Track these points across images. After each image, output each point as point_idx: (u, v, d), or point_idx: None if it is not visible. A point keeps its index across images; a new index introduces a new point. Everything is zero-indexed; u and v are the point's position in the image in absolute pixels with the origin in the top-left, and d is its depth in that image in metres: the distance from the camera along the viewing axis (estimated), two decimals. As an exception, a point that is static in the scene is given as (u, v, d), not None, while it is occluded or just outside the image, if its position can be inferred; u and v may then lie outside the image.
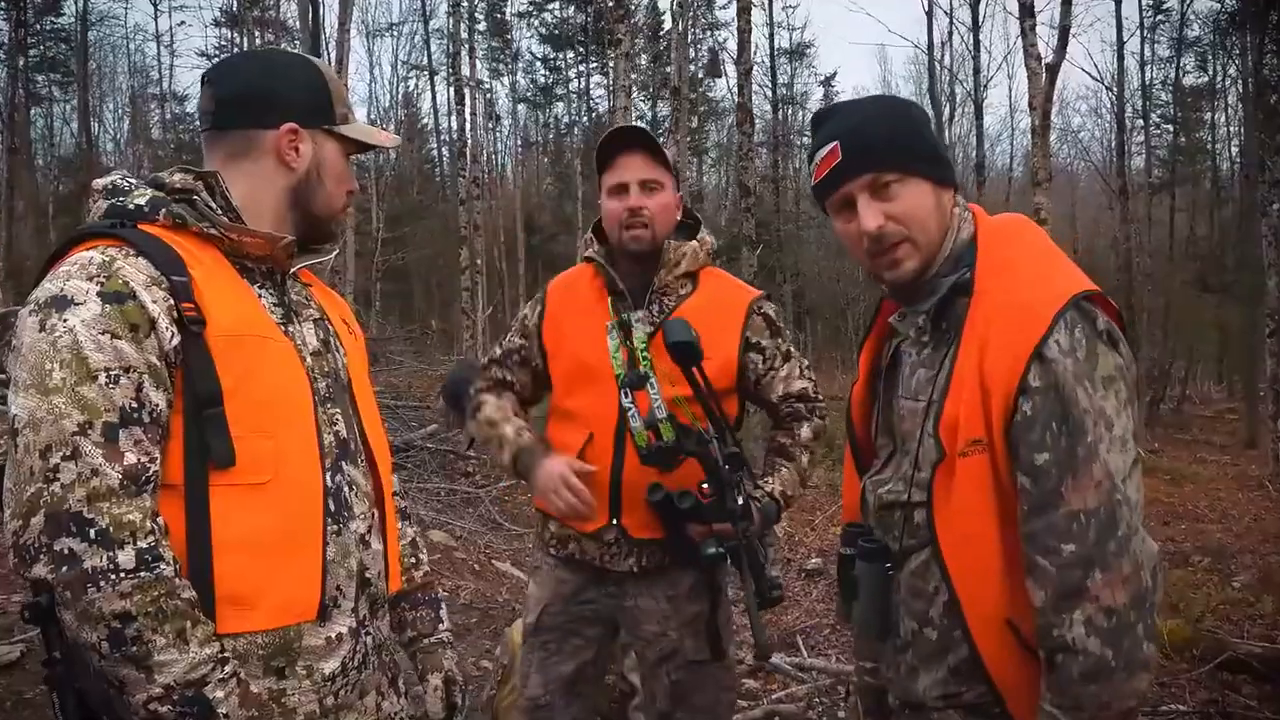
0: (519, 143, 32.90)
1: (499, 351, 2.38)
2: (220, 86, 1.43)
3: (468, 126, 19.01)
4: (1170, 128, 24.88)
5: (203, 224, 1.34)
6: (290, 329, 1.41)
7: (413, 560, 1.67)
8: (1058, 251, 1.46)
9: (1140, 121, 23.94)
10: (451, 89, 18.74)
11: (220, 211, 1.38)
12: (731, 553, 2.04)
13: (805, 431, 2.28)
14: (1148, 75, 23.80)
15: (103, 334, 1.21)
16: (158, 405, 1.23)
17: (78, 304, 1.21)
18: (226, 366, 1.27)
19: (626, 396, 2.14)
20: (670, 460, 2.08)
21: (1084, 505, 1.29)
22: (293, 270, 1.47)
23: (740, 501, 2.03)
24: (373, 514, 1.46)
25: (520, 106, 31.88)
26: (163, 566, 1.18)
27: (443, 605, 1.69)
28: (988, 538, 1.37)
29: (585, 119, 29.00)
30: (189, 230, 1.33)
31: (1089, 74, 52.06)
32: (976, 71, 20.30)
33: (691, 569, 2.19)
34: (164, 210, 1.32)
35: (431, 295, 25.08)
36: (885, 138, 1.44)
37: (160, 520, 1.21)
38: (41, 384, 1.18)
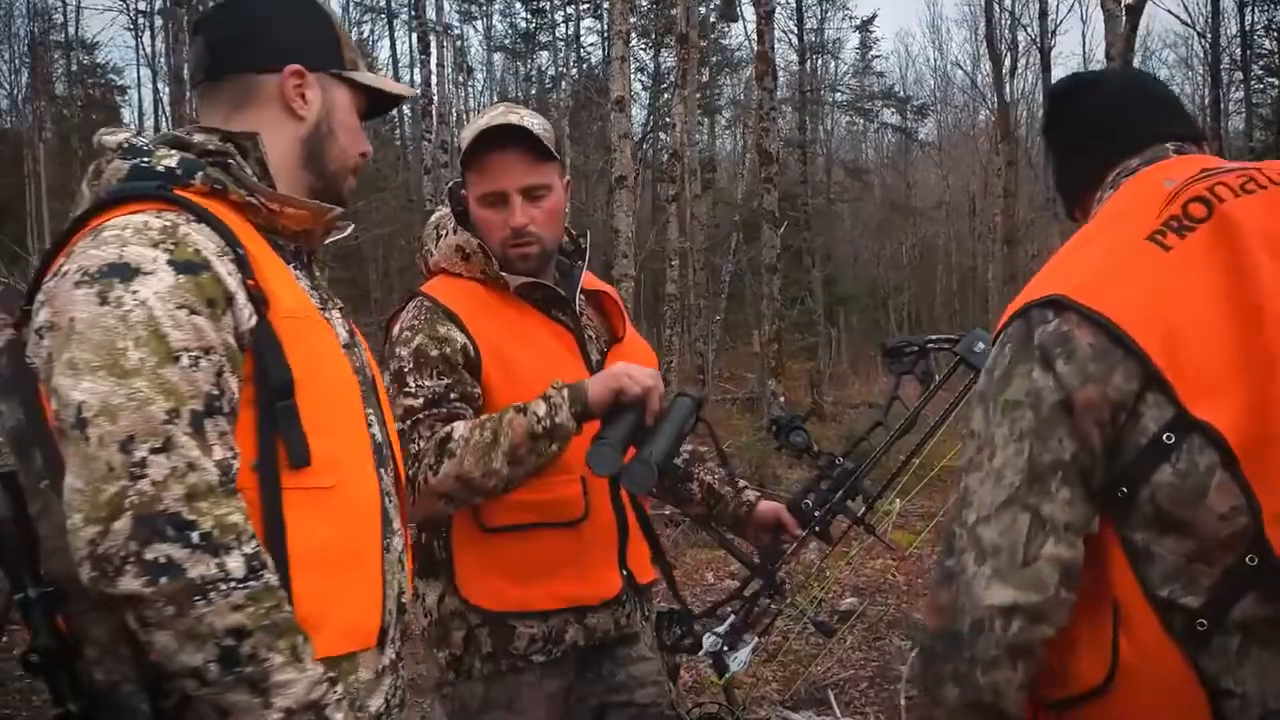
0: (495, 99, 32.66)
1: (420, 401, 2.06)
2: (213, 31, 1.48)
3: (434, 80, 19.38)
4: (1274, 81, 24.70)
5: (241, 191, 1.37)
6: (327, 316, 1.47)
7: None
8: (1094, 240, 1.42)
9: (1239, 74, 23.79)
10: (414, 35, 18.54)
11: (257, 179, 1.43)
12: None
13: None
14: (1247, 19, 23.32)
15: (179, 309, 1.23)
16: (235, 394, 1.27)
17: (146, 273, 1.23)
18: (293, 352, 1.32)
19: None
20: None
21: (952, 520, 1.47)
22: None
23: None
24: (405, 531, 1.53)
25: (497, 56, 31.96)
26: (268, 575, 1.22)
27: None
28: None
29: (575, 71, 28.79)
30: (226, 198, 1.36)
31: (1177, 17, 51.87)
32: (1044, 15, 20.73)
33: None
34: (200, 174, 1.34)
35: (390, 281, 24.64)
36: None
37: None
38: (115, 364, 1.19)
